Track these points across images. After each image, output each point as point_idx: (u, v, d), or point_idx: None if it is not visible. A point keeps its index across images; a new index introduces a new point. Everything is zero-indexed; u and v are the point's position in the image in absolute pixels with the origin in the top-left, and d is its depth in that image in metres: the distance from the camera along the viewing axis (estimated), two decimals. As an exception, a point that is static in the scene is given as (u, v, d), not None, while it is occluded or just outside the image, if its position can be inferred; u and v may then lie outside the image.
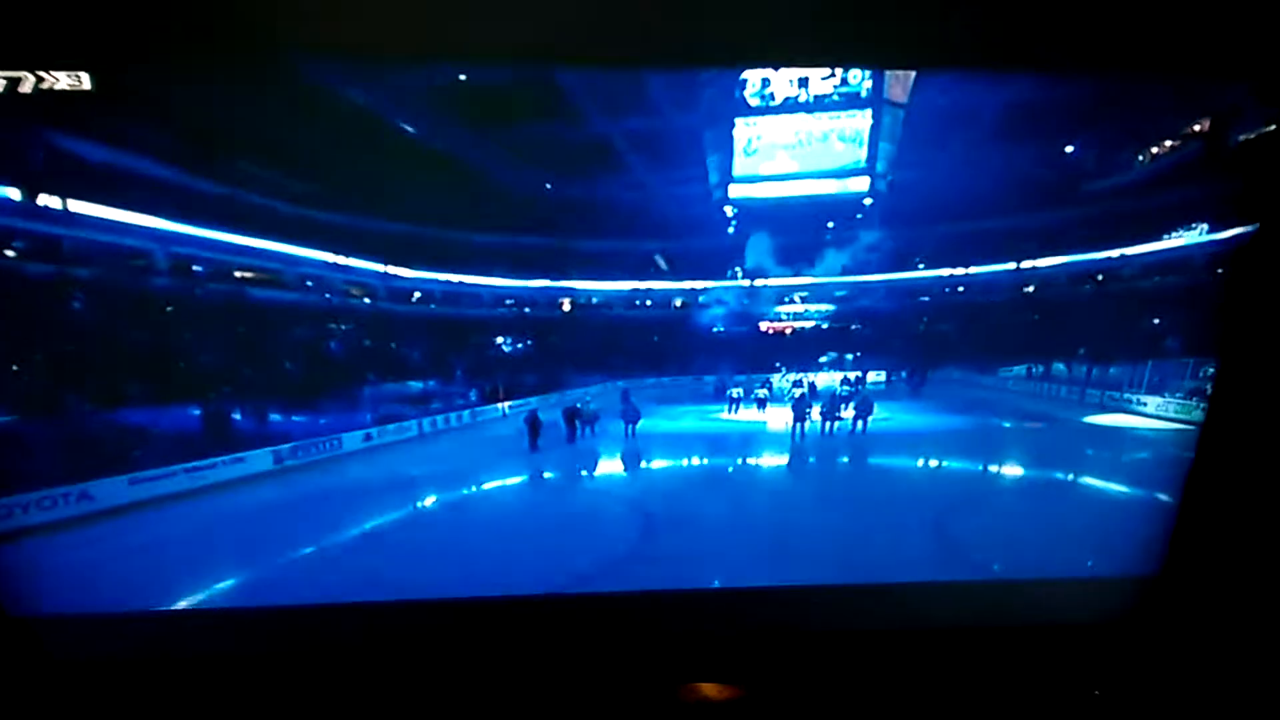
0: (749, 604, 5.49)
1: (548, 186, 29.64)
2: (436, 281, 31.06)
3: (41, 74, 4.19)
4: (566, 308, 35.76)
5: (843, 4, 3.65)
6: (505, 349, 31.78)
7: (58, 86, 4.32)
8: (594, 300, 36.33)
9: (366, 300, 28.22)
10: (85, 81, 4.33)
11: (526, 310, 34.21)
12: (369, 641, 4.94)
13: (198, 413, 15.58)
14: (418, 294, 30.68)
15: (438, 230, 29.18)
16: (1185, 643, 4.54)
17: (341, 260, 26.65)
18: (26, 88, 4.26)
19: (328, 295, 26.12)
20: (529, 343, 32.24)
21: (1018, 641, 4.84)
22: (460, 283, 31.87)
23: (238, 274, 22.94)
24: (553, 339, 32.87)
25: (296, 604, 5.94)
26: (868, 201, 31.72)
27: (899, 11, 3.67)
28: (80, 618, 5.10)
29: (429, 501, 12.33)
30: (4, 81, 4.18)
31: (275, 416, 17.11)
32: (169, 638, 5.22)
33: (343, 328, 25.12)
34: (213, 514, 11.69)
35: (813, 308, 36.08)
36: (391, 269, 29.14)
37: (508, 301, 34.02)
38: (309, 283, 25.48)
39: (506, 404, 22.76)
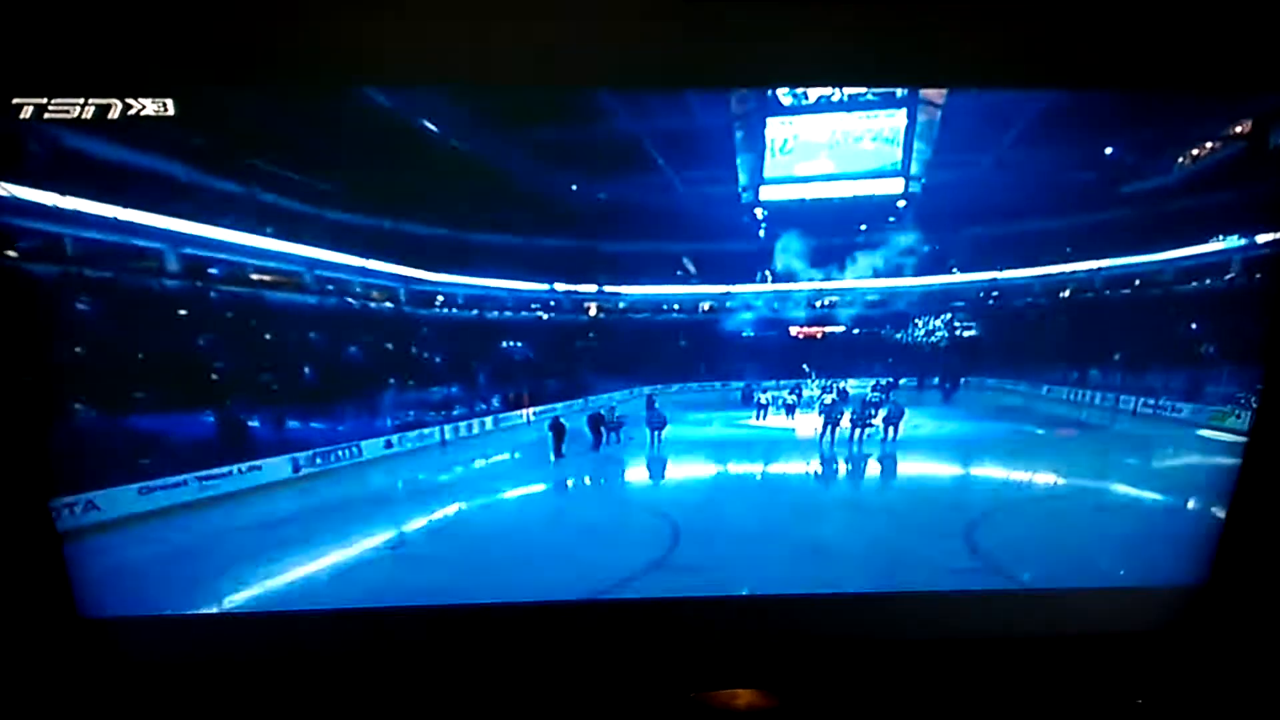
0: (785, 611, 5.57)
1: (573, 188, 29.76)
2: (459, 285, 31.26)
3: (129, 100, 4.55)
4: (593, 312, 35.82)
5: (876, 25, 3.73)
6: (530, 355, 31.91)
7: (144, 113, 4.71)
8: (620, 305, 36.32)
9: (388, 304, 28.51)
10: (170, 108, 4.73)
11: (551, 315, 34.34)
12: (405, 646, 5.07)
13: (212, 419, 15.68)
14: (440, 298, 30.95)
15: (460, 232, 29.38)
16: (1230, 653, 4.50)
17: (362, 263, 26.92)
18: (114, 114, 4.63)
19: (348, 299, 26.44)
20: (554, 348, 32.34)
21: (1060, 650, 4.89)
22: (484, 286, 32.05)
23: (254, 276, 23.28)
24: (578, 344, 32.95)
25: (330, 609, 6.08)
26: (901, 204, 31.42)
27: (929, 31, 3.76)
28: (143, 620, 5.32)
29: (453, 509, 12.41)
30: (94, 108, 4.55)
31: (293, 423, 17.29)
32: (210, 641, 5.40)
33: (363, 333, 25.38)
34: (230, 522, 11.82)
35: (844, 312, 35.89)
36: (413, 272, 29.38)
37: (533, 306, 34.16)
38: (329, 286, 25.80)
39: (531, 410, 22.86)
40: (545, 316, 33.99)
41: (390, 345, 25.56)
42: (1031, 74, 4.11)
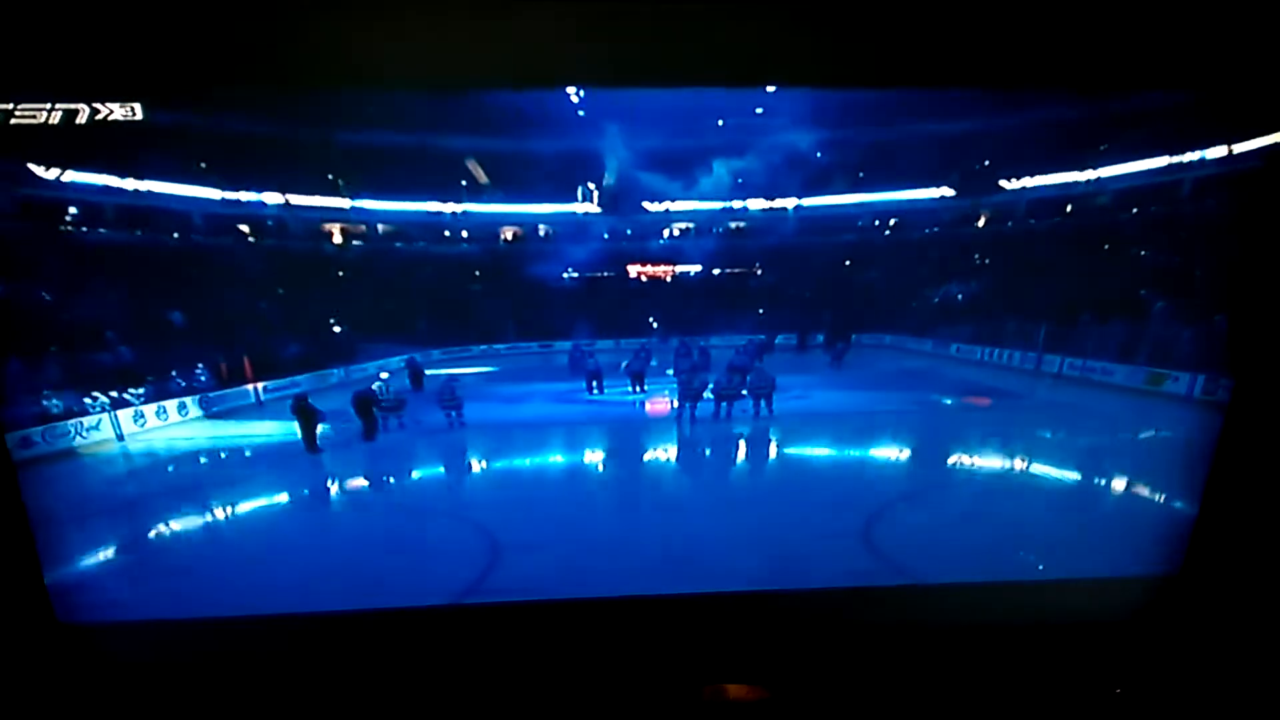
0: (771, 605, 7.27)
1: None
2: (106, 190, 29.03)
3: (97, 105, 5.64)
4: (337, 239, 34.56)
5: (845, 23, 5.19)
6: (243, 301, 30.13)
7: (112, 117, 5.92)
8: (380, 228, 35.68)
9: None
10: (138, 112, 6.00)
11: (270, 241, 32.77)
12: (395, 646, 6.43)
13: None
14: (72, 210, 28.50)
15: (84, 102, 26.73)
16: (1206, 641, 6.52)
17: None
18: (82, 119, 6.51)
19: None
20: (284, 294, 31.06)
21: (1039, 640, 6.74)
22: (145, 194, 29.88)
23: None
24: (323, 286, 31.83)
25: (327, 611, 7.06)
26: (770, 88, 33.11)
27: (898, 31, 5.28)
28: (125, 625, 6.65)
29: (149, 533, 12.26)
30: (61, 113, 5.50)
31: None
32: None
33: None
34: None
35: (700, 244, 36.87)
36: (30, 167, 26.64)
37: (240, 227, 32.38)
38: None
39: (260, 385, 22.56)
40: (262, 243, 32.09)
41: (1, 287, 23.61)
42: (1011, 75, 5.62)
